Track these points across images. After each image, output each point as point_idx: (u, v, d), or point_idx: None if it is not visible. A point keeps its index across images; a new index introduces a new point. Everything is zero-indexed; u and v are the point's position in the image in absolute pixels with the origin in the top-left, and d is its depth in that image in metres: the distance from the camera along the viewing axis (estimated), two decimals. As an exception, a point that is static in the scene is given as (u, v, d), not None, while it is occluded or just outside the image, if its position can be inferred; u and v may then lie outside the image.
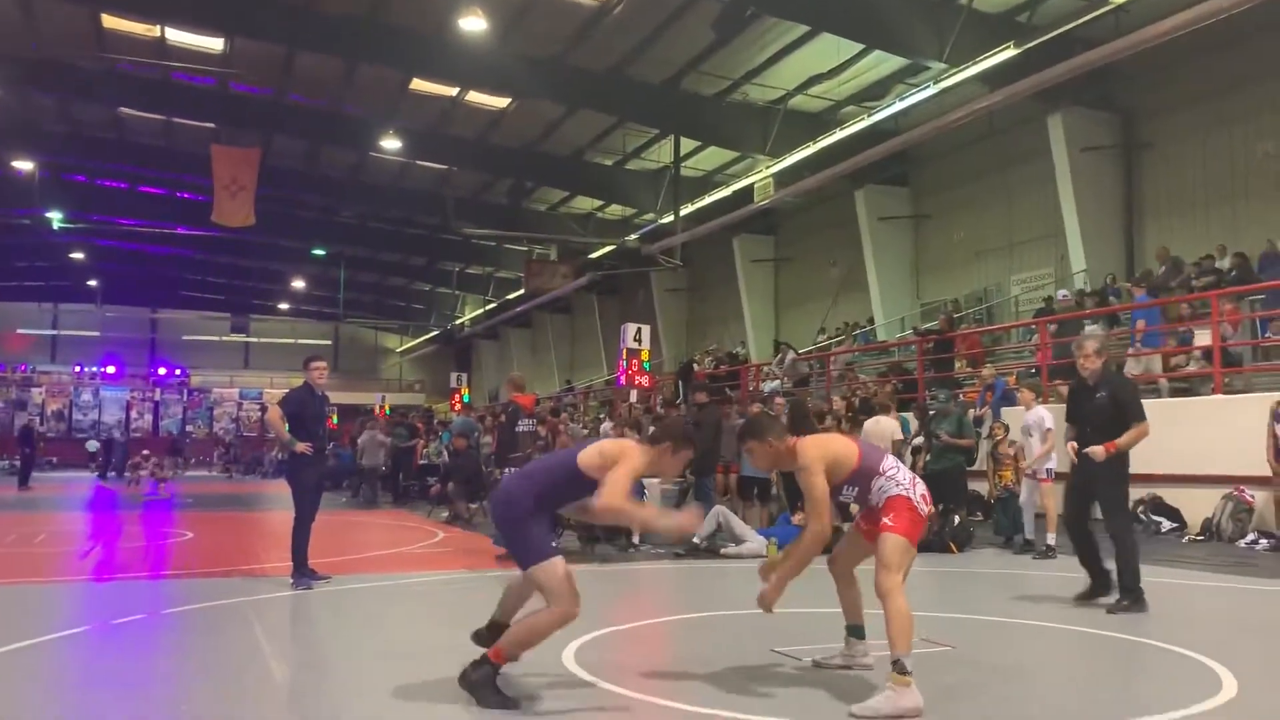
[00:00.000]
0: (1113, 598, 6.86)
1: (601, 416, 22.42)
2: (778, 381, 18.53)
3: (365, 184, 31.48)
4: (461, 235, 30.80)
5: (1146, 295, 14.27)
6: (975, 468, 12.16)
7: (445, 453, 18.78)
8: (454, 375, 35.97)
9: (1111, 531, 6.97)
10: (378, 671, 5.23)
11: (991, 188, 21.09)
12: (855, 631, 5.04)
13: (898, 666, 4.22)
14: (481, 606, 7.64)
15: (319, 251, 38.06)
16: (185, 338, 52.21)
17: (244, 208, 24.53)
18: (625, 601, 8.39)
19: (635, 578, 9.51)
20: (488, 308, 42.24)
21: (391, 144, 24.67)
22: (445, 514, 15.37)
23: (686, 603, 8.22)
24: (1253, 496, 10.76)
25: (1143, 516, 11.78)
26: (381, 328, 55.24)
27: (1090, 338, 7.46)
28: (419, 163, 28.29)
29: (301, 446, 8.29)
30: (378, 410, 32.52)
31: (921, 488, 4.71)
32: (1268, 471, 10.44)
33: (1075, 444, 7.00)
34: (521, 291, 33.99)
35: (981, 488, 12.64)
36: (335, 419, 29.56)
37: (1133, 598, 6.77)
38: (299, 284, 44.08)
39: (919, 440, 12.24)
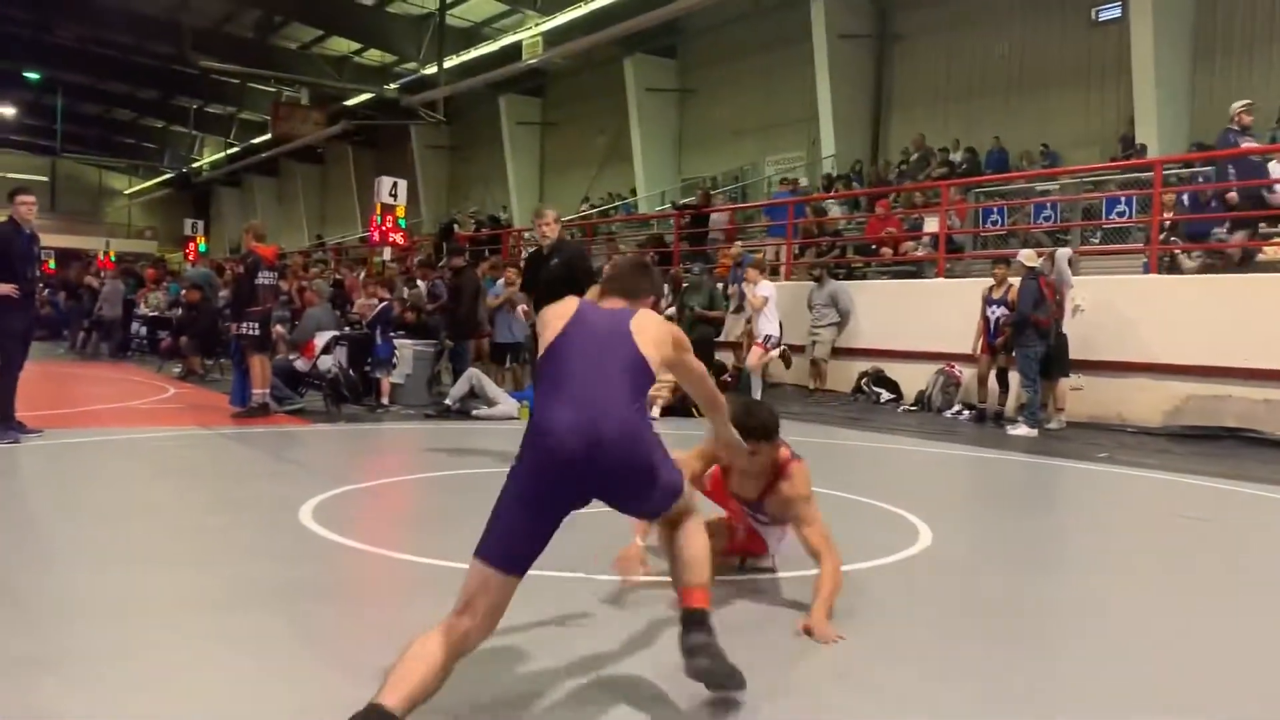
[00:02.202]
0: None
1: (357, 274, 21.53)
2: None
3: (87, 2, 27.92)
4: (200, 69, 28.08)
5: (789, 194, 16.56)
6: (723, 339, 12.76)
7: (180, 306, 17.60)
8: (189, 223, 33.33)
9: None
10: (91, 531, 4.87)
11: (755, 68, 21.45)
12: None
13: None
14: (211, 464, 7.33)
15: (32, 75, 33.78)
16: None
17: (-67, 14, 21.31)
18: (371, 461, 8.25)
19: (384, 438, 9.36)
20: (229, 152, 39.17)
21: (118, -43, 21.95)
22: (177, 369, 14.52)
23: (433, 462, 8.15)
24: (961, 373, 11.86)
25: (865, 388, 12.78)
26: (107, 166, 50.18)
27: (549, 208, 8.03)
28: (151, -18, 25.45)
29: (5, 288, 7.53)
30: (103, 257, 29.86)
31: None
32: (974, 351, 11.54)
33: (527, 309, 7.68)
34: (268, 136, 31.66)
35: (727, 358, 13.25)
36: (53, 263, 26.86)
37: None
38: (8, 110, 39.08)
39: (671, 311, 12.58)
